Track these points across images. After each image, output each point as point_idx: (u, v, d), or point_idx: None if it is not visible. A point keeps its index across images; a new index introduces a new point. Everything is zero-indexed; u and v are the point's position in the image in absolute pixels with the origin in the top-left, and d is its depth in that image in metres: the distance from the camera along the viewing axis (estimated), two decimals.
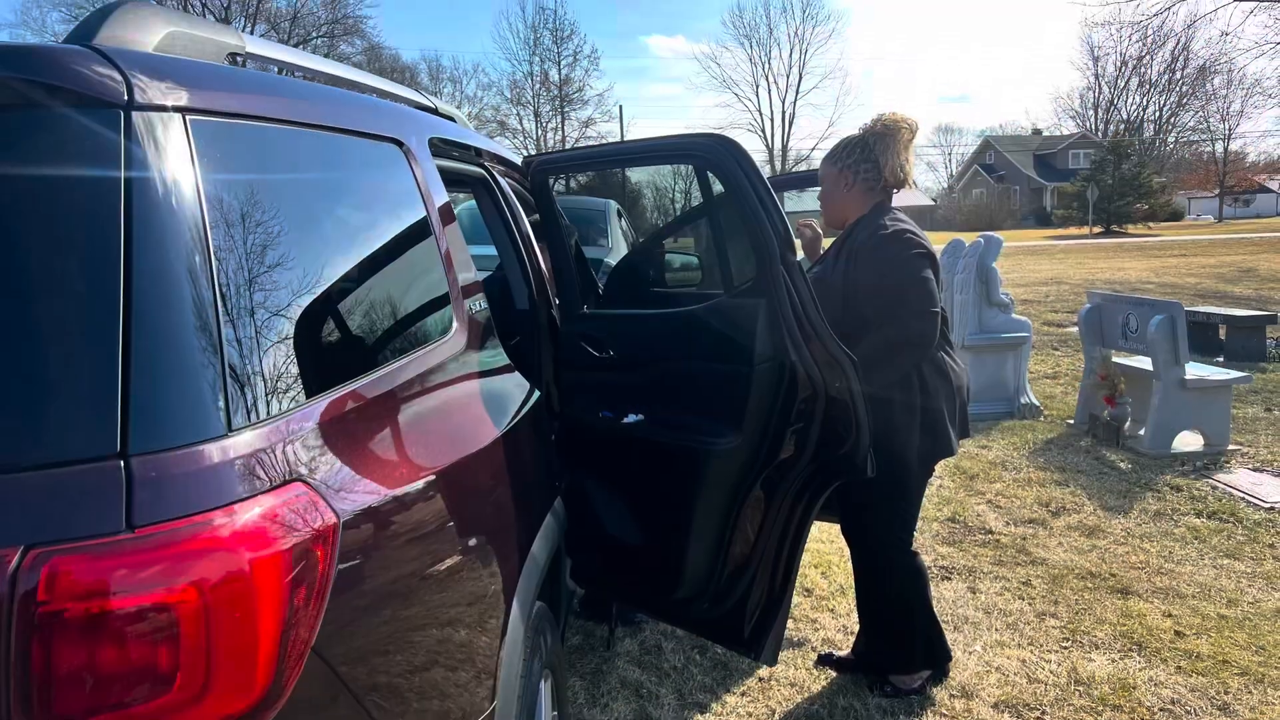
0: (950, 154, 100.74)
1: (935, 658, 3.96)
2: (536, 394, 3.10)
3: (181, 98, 1.58)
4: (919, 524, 4.06)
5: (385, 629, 1.71)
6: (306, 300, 1.78)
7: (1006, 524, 6.00)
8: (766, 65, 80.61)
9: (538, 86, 67.21)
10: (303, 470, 1.54)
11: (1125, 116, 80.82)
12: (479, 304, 2.69)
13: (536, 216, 3.90)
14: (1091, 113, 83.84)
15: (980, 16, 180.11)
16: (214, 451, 1.39)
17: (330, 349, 1.91)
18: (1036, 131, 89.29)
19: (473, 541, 2.17)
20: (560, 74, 66.72)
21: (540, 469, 2.99)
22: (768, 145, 78.60)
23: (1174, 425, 7.43)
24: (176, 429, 1.37)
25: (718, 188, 3.29)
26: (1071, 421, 8.55)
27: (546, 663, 2.72)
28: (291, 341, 1.68)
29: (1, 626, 1.22)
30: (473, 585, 2.13)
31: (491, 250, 3.71)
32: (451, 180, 3.04)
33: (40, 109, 1.43)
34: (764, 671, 4.12)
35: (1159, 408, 7.41)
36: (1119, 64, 78.55)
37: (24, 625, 1.23)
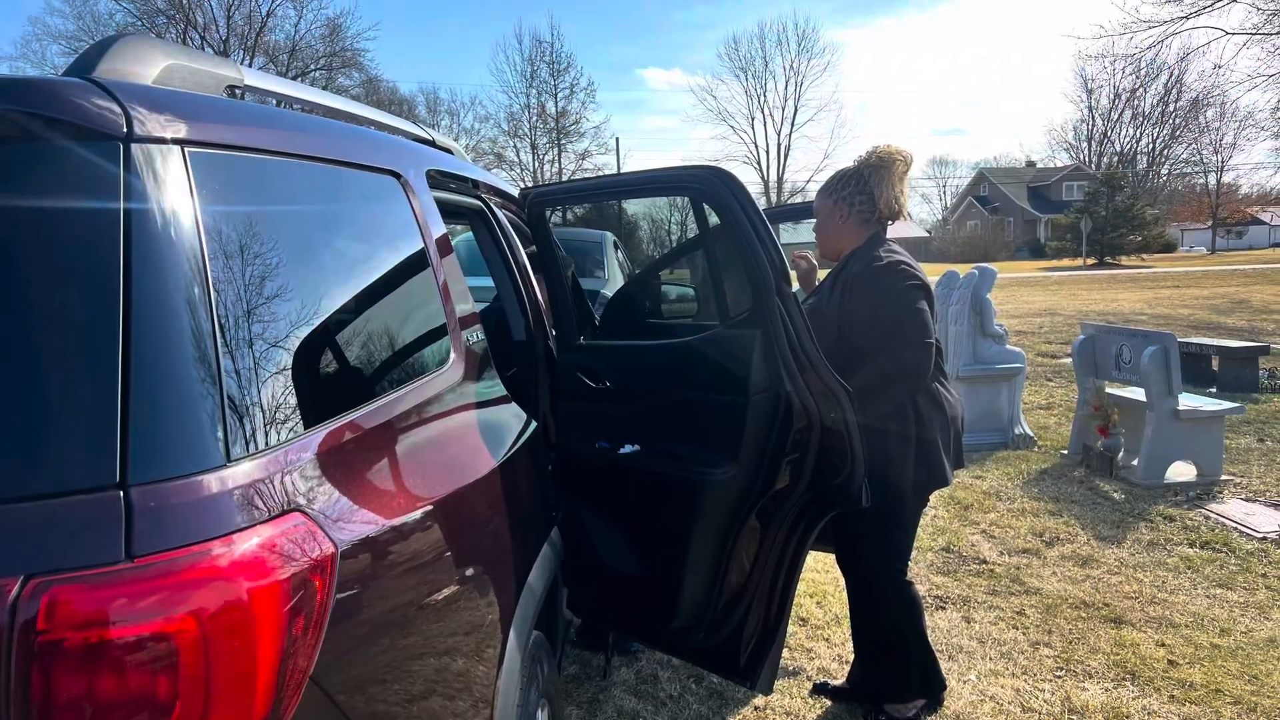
0: (945, 186, 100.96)
1: (930, 687, 3.96)
2: (533, 425, 3.11)
3: (180, 130, 1.59)
4: (913, 554, 4.06)
5: (383, 658, 1.72)
6: (305, 331, 1.79)
7: (1001, 554, 6.01)
8: (762, 98, 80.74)
9: (534, 119, 67.35)
10: (301, 500, 1.55)
11: (1119, 149, 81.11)
12: (476, 335, 2.71)
13: (533, 248, 3.92)
14: (1085, 145, 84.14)
15: (975, 49, 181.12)
16: (213, 482, 1.40)
17: (328, 380, 1.92)
18: (1030, 164, 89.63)
19: (470, 571, 2.18)
20: (557, 106, 66.89)
21: (537, 499, 3.00)
22: (763, 177, 78.83)
23: (1167, 456, 7.45)
24: (175, 459, 1.38)
25: (713, 220, 3.30)
26: (1065, 452, 8.56)
27: (543, 692, 2.73)
28: (290, 372, 1.70)
29: (1, 655, 1.23)
30: (470, 614, 2.13)
31: (489, 282, 3.73)
32: (449, 212, 3.06)
33: (40, 141, 1.44)
34: (760, 700, 4.11)
35: (1152, 438, 7.42)
36: (1112, 97, 78.89)
37: (24, 654, 1.23)
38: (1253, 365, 11.51)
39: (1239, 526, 6.39)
